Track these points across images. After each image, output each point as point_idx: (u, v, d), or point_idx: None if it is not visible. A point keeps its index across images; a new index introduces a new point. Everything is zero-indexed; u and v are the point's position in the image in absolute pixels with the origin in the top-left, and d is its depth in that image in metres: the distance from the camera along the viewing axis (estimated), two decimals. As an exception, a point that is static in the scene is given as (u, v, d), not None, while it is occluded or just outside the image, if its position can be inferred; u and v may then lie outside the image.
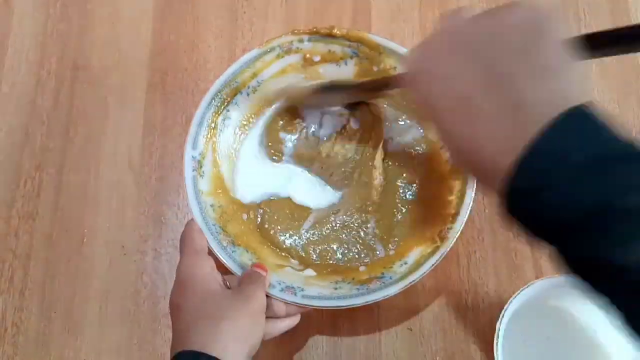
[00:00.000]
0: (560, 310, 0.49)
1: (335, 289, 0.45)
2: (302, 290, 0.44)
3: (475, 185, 0.46)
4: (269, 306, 0.43)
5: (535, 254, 0.53)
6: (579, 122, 0.23)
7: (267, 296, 0.43)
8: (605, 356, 0.47)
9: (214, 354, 0.35)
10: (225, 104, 0.50)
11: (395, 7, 0.61)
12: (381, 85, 0.46)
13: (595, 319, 0.48)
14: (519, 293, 0.45)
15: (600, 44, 0.27)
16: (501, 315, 0.45)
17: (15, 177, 0.56)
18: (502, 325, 0.45)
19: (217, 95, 0.50)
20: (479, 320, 0.51)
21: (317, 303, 0.44)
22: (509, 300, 0.45)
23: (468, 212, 0.45)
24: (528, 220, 0.25)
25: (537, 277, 0.52)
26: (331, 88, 0.49)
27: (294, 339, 0.51)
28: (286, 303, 0.44)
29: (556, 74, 0.25)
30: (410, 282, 0.44)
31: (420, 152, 0.51)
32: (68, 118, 0.58)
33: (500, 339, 0.45)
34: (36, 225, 0.55)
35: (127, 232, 0.55)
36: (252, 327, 0.39)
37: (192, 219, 0.45)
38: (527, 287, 0.45)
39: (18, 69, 0.60)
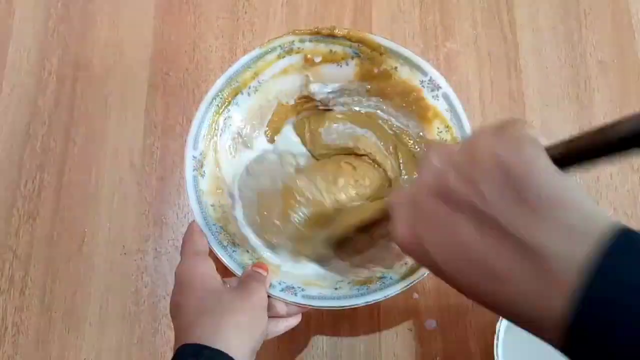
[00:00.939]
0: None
1: (336, 289, 0.45)
2: (303, 290, 0.44)
3: None
4: (270, 306, 0.43)
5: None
6: (629, 244, 0.20)
7: (268, 296, 0.43)
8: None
9: (216, 347, 0.35)
10: (226, 103, 0.50)
11: (395, 7, 0.61)
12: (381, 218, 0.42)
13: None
14: None
15: (569, 160, 0.24)
16: (501, 316, 0.45)
17: (16, 177, 0.56)
18: (502, 326, 0.45)
19: (218, 95, 0.49)
20: (479, 320, 0.51)
21: (317, 303, 0.44)
22: (509, 301, 0.45)
23: None
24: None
25: (537, 278, 0.52)
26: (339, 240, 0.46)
27: (294, 339, 0.51)
28: (287, 303, 0.44)
29: (556, 204, 0.22)
30: (411, 283, 0.43)
31: (421, 153, 0.51)
32: (69, 118, 0.58)
33: (500, 339, 0.45)
34: (37, 225, 0.55)
35: (128, 231, 0.55)
36: (253, 321, 0.39)
37: (194, 221, 0.45)
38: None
39: (19, 69, 0.60)
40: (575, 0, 0.62)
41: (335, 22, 0.61)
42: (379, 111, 0.53)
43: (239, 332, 0.37)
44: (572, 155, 0.23)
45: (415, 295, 0.52)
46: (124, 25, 0.61)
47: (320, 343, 0.51)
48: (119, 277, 0.53)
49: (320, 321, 0.52)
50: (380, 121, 0.53)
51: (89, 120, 0.58)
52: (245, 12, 0.62)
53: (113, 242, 0.54)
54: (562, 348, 0.22)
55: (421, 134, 0.51)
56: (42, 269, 0.54)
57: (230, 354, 0.35)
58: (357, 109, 0.54)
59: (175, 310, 0.40)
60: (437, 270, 0.26)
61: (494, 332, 0.45)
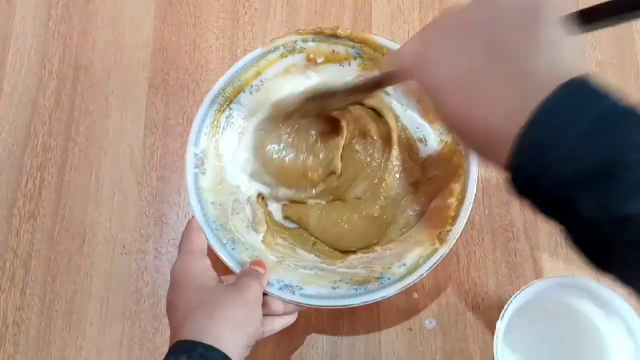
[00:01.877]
0: (560, 310, 0.49)
1: (334, 288, 0.45)
2: (301, 289, 0.44)
3: (475, 187, 0.46)
4: (266, 304, 0.43)
5: (535, 254, 0.53)
6: (583, 88, 0.24)
7: (265, 294, 0.43)
8: (606, 355, 0.47)
9: (208, 343, 0.35)
10: (229, 102, 0.50)
11: (395, 7, 0.62)
12: (376, 84, 0.46)
13: (595, 318, 0.48)
14: (519, 293, 0.45)
15: (595, 17, 0.28)
16: (501, 315, 0.45)
17: (17, 176, 0.56)
18: (502, 325, 0.45)
19: (221, 94, 0.50)
20: (479, 320, 0.51)
21: (315, 302, 0.44)
22: (509, 300, 0.45)
23: (467, 215, 0.45)
24: (536, 188, 0.25)
25: (537, 277, 0.52)
26: (324, 94, 0.48)
27: (294, 338, 0.51)
28: (284, 301, 0.44)
29: (555, 46, 0.25)
30: (409, 284, 0.44)
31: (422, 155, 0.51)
32: (69, 117, 0.58)
33: (500, 339, 0.45)
34: (37, 224, 0.55)
35: (128, 231, 0.55)
36: (247, 317, 0.38)
37: (193, 217, 0.46)
38: (527, 287, 0.45)
39: (20, 68, 0.60)
40: (574, 1, 0.62)
41: (335, 22, 0.61)
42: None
43: (232, 327, 0.37)
44: (598, 13, 0.27)
45: (415, 295, 0.52)
46: (124, 25, 0.61)
47: (320, 342, 0.51)
48: (119, 276, 0.53)
49: (320, 320, 0.52)
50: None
51: (89, 120, 0.58)
52: (245, 12, 0.62)
53: (113, 242, 0.54)
54: (507, 166, 0.25)
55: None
56: (42, 268, 0.54)
57: (223, 349, 0.35)
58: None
59: (170, 308, 0.40)
60: (430, 80, 0.29)
61: (494, 331, 0.45)
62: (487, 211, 0.54)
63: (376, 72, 0.50)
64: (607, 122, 0.23)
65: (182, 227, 0.46)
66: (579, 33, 0.27)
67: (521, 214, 0.54)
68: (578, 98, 0.24)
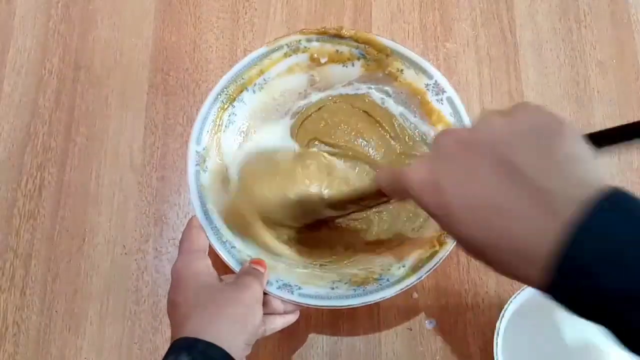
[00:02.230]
0: (560, 310, 0.49)
1: (332, 289, 0.45)
2: (299, 288, 0.44)
3: None
4: (267, 303, 0.43)
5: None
6: (621, 201, 0.23)
7: (264, 293, 0.43)
8: (606, 355, 0.47)
9: (209, 340, 0.35)
10: (231, 100, 0.50)
11: (395, 7, 0.62)
12: (378, 198, 0.44)
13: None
14: (519, 293, 0.45)
15: (604, 141, 0.27)
16: (501, 315, 0.45)
17: (17, 176, 0.56)
18: (502, 325, 0.45)
19: (224, 92, 0.50)
20: (479, 320, 0.51)
21: (313, 302, 0.44)
22: (509, 300, 0.45)
23: None
24: (578, 302, 0.24)
25: (537, 277, 0.52)
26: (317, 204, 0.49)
27: (294, 338, 0.51)
28: (283, 300, 0.44)
29: (577, 159, 0.25)
30: (407, 286, 0.44)
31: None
32: (70, 118, 0.58)
33: (500, 339, 0.45)
34: (37, 225, 0.55)
35: (128, 231, 0.55)
36: (247, 315, 0.39)
37: (194, 216, 0.46)
38: (528, 287, 0.45)
39: (20, 69, 0.60)
40: (574, 0, 0.62)
41: (335, 22, 0.61)
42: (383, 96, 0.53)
43: (232, 325, 0.37)
44: (607, 138, 0.27)
45: (415, 295, 0.52)
46: (124, 25, 0.61)
47: (320, 342, 0.51)
48: (119, 276, 0.53)
49: (320, 320, 0.52)
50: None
51: (89, 120, 0.58)
52: (245, 12, 0.62)
53: (113, 242, 0.54)
54: (545, 284, 0.24)
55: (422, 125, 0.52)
56: (42, 268, 0.54)
57: (223, 346, 0.35)
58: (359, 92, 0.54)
59: (171, 307, 0.40)
60: (444, 211, 0.28)
61: (494, 331, 0.45)
62: (487, 211, 0.54)
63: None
64: None
65: (182, 227, 0.46)
66: (595, 151, 0.26)
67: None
68: (618, 213, 0.23)
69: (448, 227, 0.28)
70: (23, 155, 0.57)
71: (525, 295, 0.46)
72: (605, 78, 0.59)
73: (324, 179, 0.50)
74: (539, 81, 0.59)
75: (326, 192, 0.50)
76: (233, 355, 0.35)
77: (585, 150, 0.25)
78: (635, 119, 0.61)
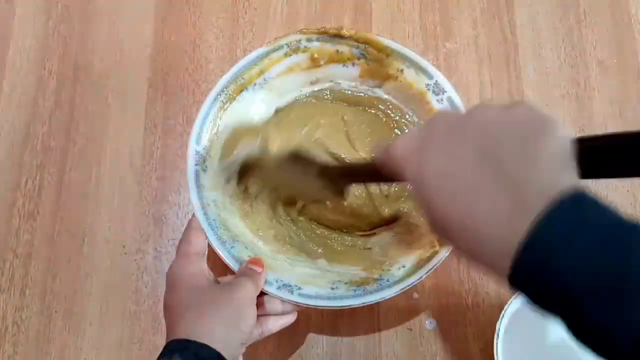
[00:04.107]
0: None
1: (332, 289, 0.45)
2: (299, 288, 0.44)
3: None
4: (264, 303, 0.44)
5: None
6: (585, 201, 0.24)
7: (264, 293, 0.44)
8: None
9: (201, 341, 0.35)
10: (231, 100, 0.50)
11: (395, 7, 0.61)
12: (360, 173, 0.44)
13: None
14: (519, 293, 0.45)
15: (593, 154, 0.27)
16: (501, 316, 0.45)
17: (17, 177, 0.56)
18: (502, 326, 0.45)
19: (224, 91, 0.49)
20: (479, 320, 0.51)
21: (313, 302, 0.44)
22: (509, 301, 0.45)
23: None
24: (538, 292, 0.25)
25: (537, 277, 0.52)
26: (302, 159, 0.47)
27: (294, 338, 0.51)
28: (282, 301, 0.44)
29: (556, 159, 0.25)
30: (407, 286, 0.44)
31: None
32: (69, 118, 0.58)
33: (500, 339, 0.45)
34: (37, 225, 0.55)
35: (128, 231, 0.55)
36: (239, 314, 0.39)
37: (194, 216, 0.46)
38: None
39: (20, 69, 0.60)
40: (575, 0, 0.62)
41: (335, 22, 0.61)
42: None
43: (224, 325, 0.37)
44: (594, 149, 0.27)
45: (415, 295, 0.52)
46: (124, 25, 0.61)
47: (320, 342, 0.51)
48: (119, 276, 0.53)
49: (320, 320, 0.52)
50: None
51: (89, 120, 0.58)
52: (245, 12, 0.62)
53: (113, 242, 0.54)
54: (505, 273, 0.25)
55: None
56: (42, 268, 0.54)
57: (216, 347, 0.35)
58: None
59: (165, 310, 0.40)
60: (419, 181, 0.29)
61: (494, 331, 0.45)
62: (487, 211, 0.54)
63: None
64: (616, 232, 0.23)
65: (182, 227, 0.46)
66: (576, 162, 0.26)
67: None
68: (581, 211, 0.23)
69: (421, 197, 0.29)
70: (23, 155, 0.57)
71: (526, 296, 0.45)
72: (606, 78, 0.59)
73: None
74: (539, 81, 0.59)
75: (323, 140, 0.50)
76: (226, 355, 0.36)
77: (565, 150, 0.25)
78: (636, 119, 0.61)
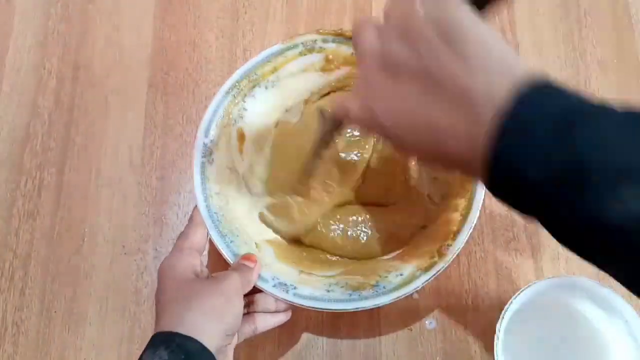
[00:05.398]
0: (560, 310, 0.49)
1: (328, 291, 0.45)
2: (295, 288, 0.44)
3: (479, 207, 0.45)
4: (257, 300, 0.44)
5: (535, 254, 0.53)
6: (545, 88, 0.23)
7: (260, 291, 0.44)
8: (606, 356, 0.47)
9: (184, 333, 0.35)
10: (243, 95, 0.50)
11: (396, 7, 0.61)
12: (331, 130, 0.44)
13: (595, 318, 0.48)
14: (519, 293, 0.45)
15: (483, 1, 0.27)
16: (501, 316, 0.45)
17: (16, 177, 0.56)
18: (502, 326, 0.45)
19: (236, 86, 0.49)
20: (479, 321, 0.51)
21: (307, 303, 0.43)
22: (509, 301, 0.45)
23: (469, 232, 0.44)
24: (512, 193, 0.25)
25: (537, 277, 0.52)
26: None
27: (293, 338, 0.51)
28: (276, 299, 0.44)
29: (481, 47, 0.25)
30: (403, 295, 0.43)
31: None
32: (69, 117, 0.58)
33: (500, 339, 0.45)
34: (37, 225, 0.55)
35: (128, 231, 0.55)
36: (223, 306, 0.38)
37: (195, 208, 0.46)
38: (527, 287, 0.45)
39: (19, 68, 0.60)
40: (575, 0, 0.62)
41: (336, 22, 0.61)
42: None
43: (207, 316, 0.37)
44: None
45: (416, 295, 0.52)
46: (124, 25, 0.61)
47: (320, 342, 0.51)
48: (119, 276, 0.53)
49: (320, 320, 0.52)
50: None
51: (88, 120, 0.58)
52: (245, 12, 0.62)
53: (113, 242, 0.54)
54: (487, 183, 0.25)
55: None
56: (42, 268, 0.54)
57: (198, 338, 0.35)
58: None
59: (156, 305, 0.40)
60: (387, 134, 0.29)
61: (494, 331, 0.45)
62: (487, 211, 0.54)
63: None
64: (573, 119, 0.22)
65: (182, 227, 0.46)
66: (483, 15, 0.27)
67: (521, 214, 0.54)
68: (543, 96, 0.23)
69: (392, 144, 0.30)
70: (22, 155, 0.57)
71: (526, 296, 0.45)
72: (606, 78, 0.59)
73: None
74: (539, 81, 0.59)
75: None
76: (209, 346, 0.36)
77: (483, 31, 0.25)
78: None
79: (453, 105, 0.25)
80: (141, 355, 0.36)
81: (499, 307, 0.46)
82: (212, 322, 0.37)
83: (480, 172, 0.25)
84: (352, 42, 0.32)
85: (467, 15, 0.26)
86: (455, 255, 0.44)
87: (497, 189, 0.25)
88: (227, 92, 0.49)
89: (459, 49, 0.25)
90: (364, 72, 0.30)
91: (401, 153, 0.30)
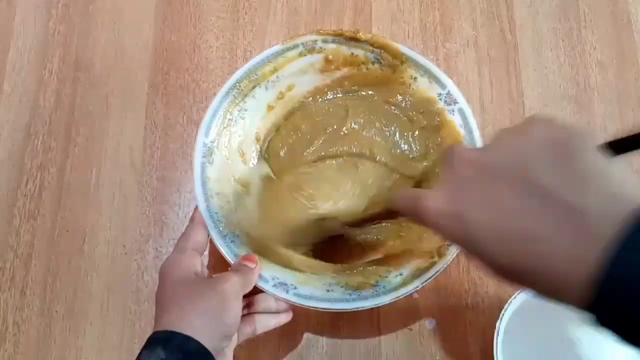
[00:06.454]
0: (560, 310, 0.49)
1: (328, 291, 0.45)
2: (295, 288, 0.44)
3: None
4: (258, 301, 0.44)
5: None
6: None
7: (261, 291, 0.44)
8: (606, 356, 0.47)
9: (184, 332, 0.35)
10: (243, 95, 0.50)
11: (395, 7, 0.62)
12: (394, 217, 0.44)
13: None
14: (519, 293, 0.45)
15: (623, 147, 0.26)
16: (501, 315, 0.45)
17: (17, 177, 0.56)
18: (501, 325, 0.45)
19: (236, 86, 0.49)
20: (479, 320, 0.51)
21: (307, 303, 0.43)
22: (509, 300, 0.45)
23: None
24: (628, 321, 0.23)
25: (537, 277, 0.52)
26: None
27: (294, 338, 0.51)
28: (277, 299, 0.44)
29: (603, 175, 0.24)
30: (403, 294, 0.43)
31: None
32: (70, 118, 0.58)
33: (500, 339, 0.45)
34: (37, 225, 0.55)
35: (128, 231, 0.55)
36: (221, 307, 0.38)
37: (196, 209, 0.46)
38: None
39: (20, 69, 0.60)
40: (574, 1, 0.62)
41: (336, 22, 0.61)
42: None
43: (205, 317, 0.37)
44: (625, 144, 0.26)
45: (415, 295, 0.52)
46: (125, 25, 0.61)
47: (320, 342, 0.51)
48: (119, 276, 0.53)
49: (320, 320, 0.52)
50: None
51: (89, 120, 0.58)
52: (245, 12, 0.62)
53: (114, 242, 0.54)
54: (588, 305, 0.23)
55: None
56: (42, 268, 0.54)
57: (197, 338, 0.35)
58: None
59: (156, 305, 0.40)
60: (469, 243, 0.27)
61: (494, 331, 0.45)
62: (487, 211, 0.54)
63: None
64: None
65: (182, 227, 0.46)
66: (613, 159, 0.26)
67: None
68: None
69: (476, 256, 0.27)
70: (23, 156, 0.57)
71: (525, 295, 0.46)
72: (605, 78, 0.59)
73: (331, 195, 0.50)
74: (539, 81, 0.59)
75: (339, 207, 0.49)
76: (208, 347, 0.36)
77: (609, 163, 0.24)
78: (636, 119, 0.61)
79: (561, 215, 0.23)
80: (139, 354, 0.36)
81: (499, 306, 0.46)
82: (210, 322, 0.37)
83: (579, 291, 0.23)
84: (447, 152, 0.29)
85: (592, 147, 0.25)
86: (455, 255, 0.44)
87: (603, 314, 0.23)
88: (228, 93, 0.49)
89: (579, 174, 0.24)
90: (456, 169, 0.28)
91: (478, 263, 0.28)
